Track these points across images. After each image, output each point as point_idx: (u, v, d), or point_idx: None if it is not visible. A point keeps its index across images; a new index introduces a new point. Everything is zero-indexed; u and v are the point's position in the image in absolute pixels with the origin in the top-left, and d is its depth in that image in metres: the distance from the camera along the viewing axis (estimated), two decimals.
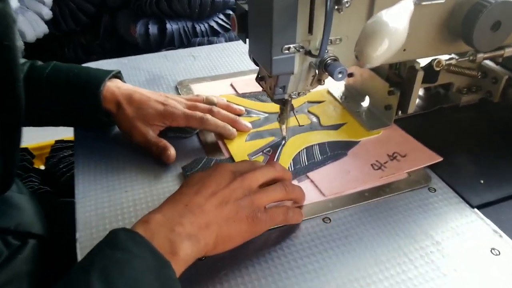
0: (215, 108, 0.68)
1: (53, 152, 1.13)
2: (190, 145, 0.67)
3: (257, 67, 0.58)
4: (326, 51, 0.50)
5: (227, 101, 0.74)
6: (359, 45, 0.41)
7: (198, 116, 0.65)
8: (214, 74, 0.88)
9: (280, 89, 0.55)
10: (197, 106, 0.68)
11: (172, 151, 0.62)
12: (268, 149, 0.65)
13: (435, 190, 0.58)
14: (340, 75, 0.49)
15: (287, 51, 0.49)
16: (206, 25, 1.86)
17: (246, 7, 0.55)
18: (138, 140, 0.64)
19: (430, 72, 0.62)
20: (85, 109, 0.65)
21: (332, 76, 0.50)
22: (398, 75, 0.66)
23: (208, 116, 0.65)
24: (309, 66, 0.53)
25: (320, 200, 0.56)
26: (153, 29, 1.82)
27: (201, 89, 0.82)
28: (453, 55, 0.64)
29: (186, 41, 1.83)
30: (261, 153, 0.64)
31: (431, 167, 0.61)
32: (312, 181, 0.59)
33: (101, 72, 0.66)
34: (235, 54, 0.97)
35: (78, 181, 0.60)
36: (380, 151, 0.64)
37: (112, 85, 0.65)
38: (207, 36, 1.87)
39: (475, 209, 0.55)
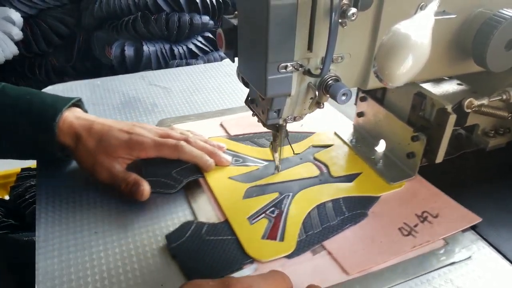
0: (192, 138, 0.60)
1: (18, 181, 1.07)
2: (173, 201, 0.55)
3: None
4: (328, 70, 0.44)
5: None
6: (379, 63, 0.35)
7: (171, 144, 0.56)
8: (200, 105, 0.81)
9: (275, 113, 0.49)
10: (170, 135, 0.59)
11: (146, 186, 0.53)
12: (272, 209, 0.53)
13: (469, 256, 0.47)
14: (344, 98, 0.43)
15: (283, 70, 0.43)
16: (184, 47, 1.82)
17: (234, 21, 0.49)
18: (102, 177, 0.55)
19: (459, 114, 0.53)
20: (37, 143, 0.56)
21: (335, 98, 0.44)
22: (423, 117, 0.56)
23: (183, 143, 0.57)
24: (308, 87, 0.47)
25: (343, 281, 0.44)
26: (129, 50, 1.76)
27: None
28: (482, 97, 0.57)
29: (164, 63, 1.78)
30: (263, 215, 0.52)
31: None
32: (330, 253, 0.47)
33: (58, 100, 0.57)
34: (222, 74, 0.90)
35: (40, 220, 0.51)
36: (406, 210, 0.53)
37: (71, 116, 0.56)
38: (185, 58, 1.83)
39: None
